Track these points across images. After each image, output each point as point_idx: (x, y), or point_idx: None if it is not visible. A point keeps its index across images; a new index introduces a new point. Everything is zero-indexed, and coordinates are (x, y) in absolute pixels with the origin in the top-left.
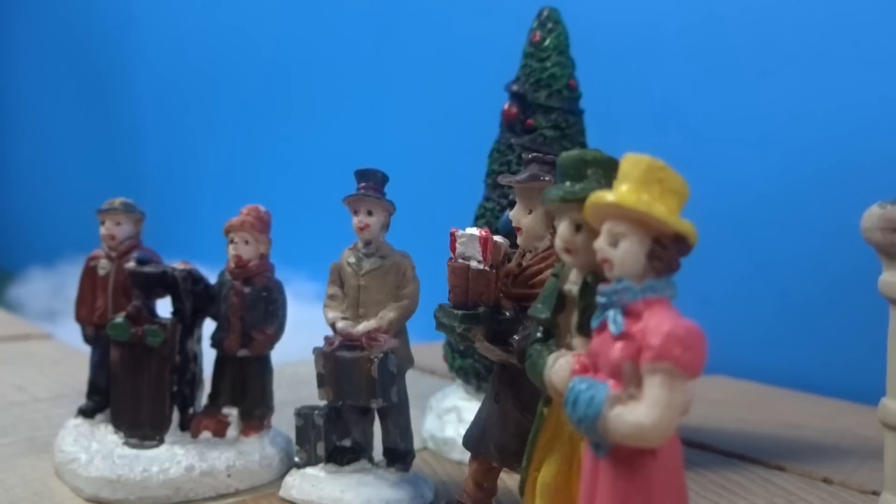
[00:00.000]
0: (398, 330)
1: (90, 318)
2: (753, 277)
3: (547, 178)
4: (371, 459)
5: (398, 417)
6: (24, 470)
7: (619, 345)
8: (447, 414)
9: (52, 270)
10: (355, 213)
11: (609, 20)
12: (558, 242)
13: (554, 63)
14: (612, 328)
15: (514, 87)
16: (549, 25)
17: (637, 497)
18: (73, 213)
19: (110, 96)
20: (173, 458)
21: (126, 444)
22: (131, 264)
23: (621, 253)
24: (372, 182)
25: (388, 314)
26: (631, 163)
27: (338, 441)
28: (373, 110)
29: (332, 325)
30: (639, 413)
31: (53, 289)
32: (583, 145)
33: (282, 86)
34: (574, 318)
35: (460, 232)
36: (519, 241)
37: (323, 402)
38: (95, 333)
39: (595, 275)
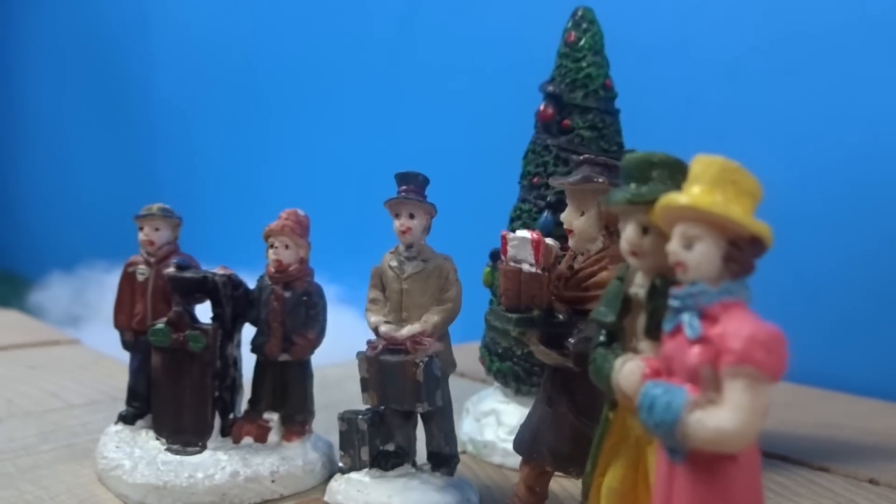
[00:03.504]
0: (442, 333)
1: (129, 324)
2: (787, 277)
3: (600, 180)
4: (414, 464)
5: (442, 421)
6: (66, 477)
7: (696, 349)
8: (485, 417)
9: (71, 275)
10: (396, 216)
11: (633, 18)
12: (624, 245)
13: (590, 63)
14: (688, 332)
15: (550, 88)
16: (584, 25)
17: (717, 502)
18: (91, 219)
19: (127, 103)
20: (217, 463)
21: (168, 450)
22: (171, 270)
23: (697, 256)
24: (413, 185)
25: (432, 318)
26: (703, 164)
27: (381, 445)
28: (403, 114)
29: (375, 330)
30: (721, 418)
31: (74, 293)
32: (620, 145)
33: (307, 88)
34: (641, 322)
35: (512, 235)
36: (570, 243)
37: (365, 406)
38: (134, 339)
39: (663, 278)
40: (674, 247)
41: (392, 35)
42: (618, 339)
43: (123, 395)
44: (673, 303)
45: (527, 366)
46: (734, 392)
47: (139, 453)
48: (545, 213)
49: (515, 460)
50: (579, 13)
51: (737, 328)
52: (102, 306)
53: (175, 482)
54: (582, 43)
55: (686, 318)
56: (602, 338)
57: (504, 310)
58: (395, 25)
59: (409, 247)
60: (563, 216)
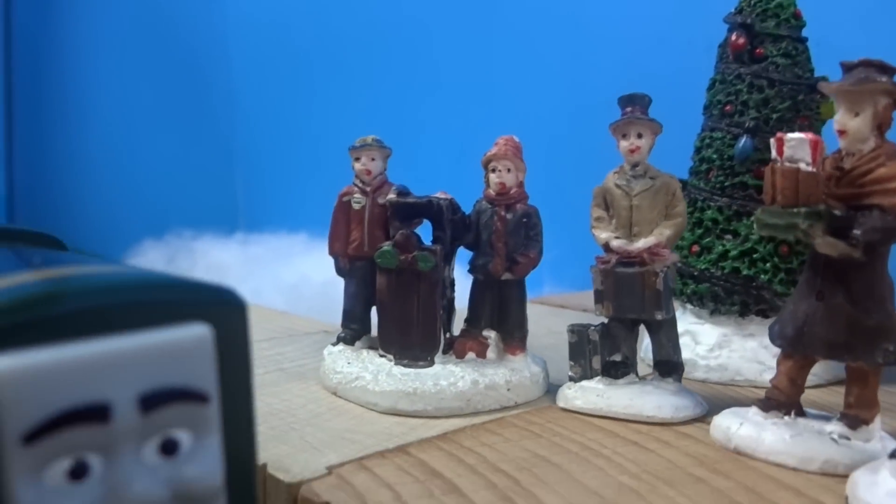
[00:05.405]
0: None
1: (345, 251)
2: None
3: (883, 79)
4: (636, 374)
5: (671, 331)
6: (300, 391)
7: None
8: (679, 338)
9: (162, 243)
10: (623, 136)
11: None
12: None
13: None
14: None
15: (739, 19)
16: None
17: None
18: (174, 189)
19: (205, 73)
20: (453, 374)
21: (398, 364)
22: (392, 196)
23: None
24: (639, 105)
25: (665, 231)
26: None
27: (608, 357)
28: (563, 47)
29: (605, 245)
30: None
31: (167, 260)
32: (812, 72)
33: (430, 53)
34: None
35: (789, 136)
36: (842, 144)
37: (593, 318)
38: (350, 265)
39: None
40: None
41: None
42: None
43: (295, 332)
44: None
45: (727, 285)
46: None
47: (372, 367)
48: (744, 138)
49: (719, 375)
50: None
51: None
52: (195, 272)
53: (423, 388)
54: None
55: None
56: None
57: (781, 207)
58: None
59: (634, 165)
60: (837, 118)
